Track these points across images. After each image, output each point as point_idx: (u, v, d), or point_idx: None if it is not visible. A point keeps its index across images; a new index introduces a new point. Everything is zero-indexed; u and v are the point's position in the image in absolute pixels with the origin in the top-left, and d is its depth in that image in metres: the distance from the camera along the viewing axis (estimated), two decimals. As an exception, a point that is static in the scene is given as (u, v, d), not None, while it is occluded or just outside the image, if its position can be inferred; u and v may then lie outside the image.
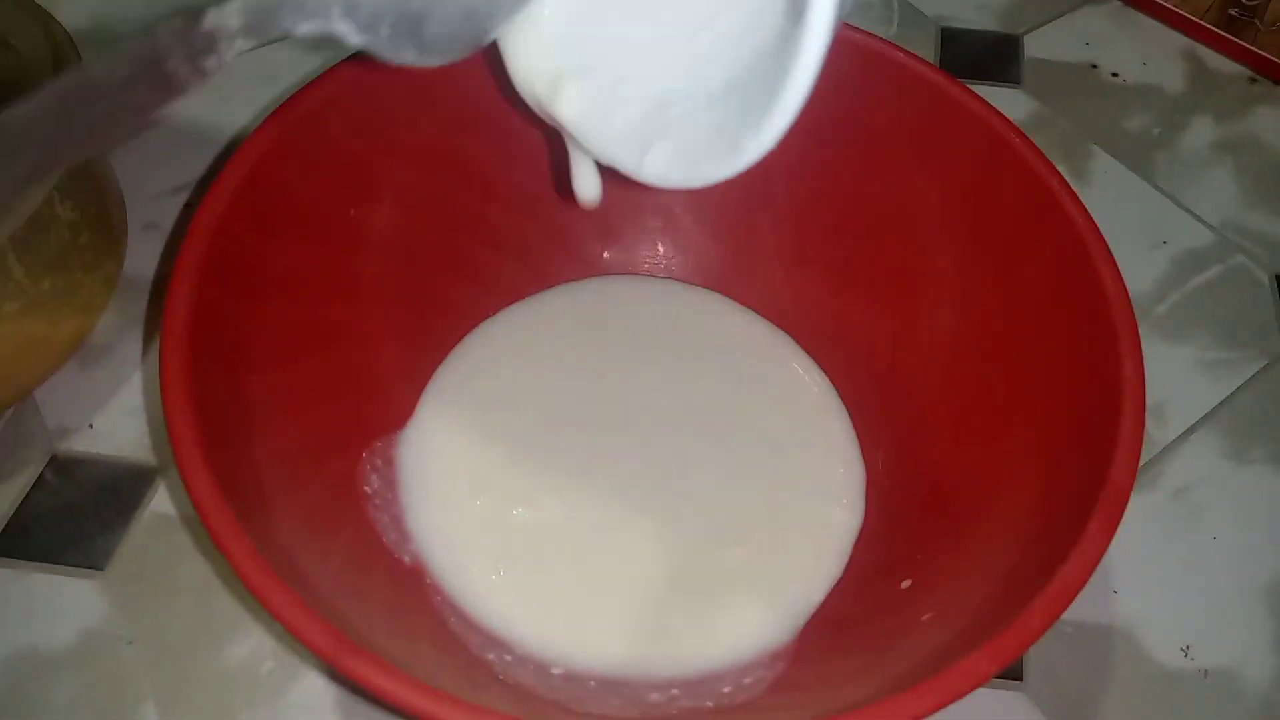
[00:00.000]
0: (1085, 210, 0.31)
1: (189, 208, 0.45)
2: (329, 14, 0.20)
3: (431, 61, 0.23)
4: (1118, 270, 0.30)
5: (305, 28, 0.20)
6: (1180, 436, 0.40)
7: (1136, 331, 0.29)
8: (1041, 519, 0.28)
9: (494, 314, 0.40)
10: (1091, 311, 0.30)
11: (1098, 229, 0.31)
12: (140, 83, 0.18)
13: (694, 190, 0.40)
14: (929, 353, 0.36)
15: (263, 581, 0.23)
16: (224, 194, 0.30)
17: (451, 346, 0.39)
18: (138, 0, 0.52)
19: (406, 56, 0.22)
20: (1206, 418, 0.40)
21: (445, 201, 0.37)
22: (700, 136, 0.24)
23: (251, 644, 0.33)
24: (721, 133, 0.23)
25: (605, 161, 0.27)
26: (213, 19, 0.19)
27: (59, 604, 0.34)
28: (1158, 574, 0.36)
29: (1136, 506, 0.37)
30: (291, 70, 0.50)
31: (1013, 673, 0.34)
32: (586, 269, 0.41)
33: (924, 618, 0.29)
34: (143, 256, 0.43)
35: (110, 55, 0.18)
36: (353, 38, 0.21)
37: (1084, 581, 0.24)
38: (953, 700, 0.23)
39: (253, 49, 0.20)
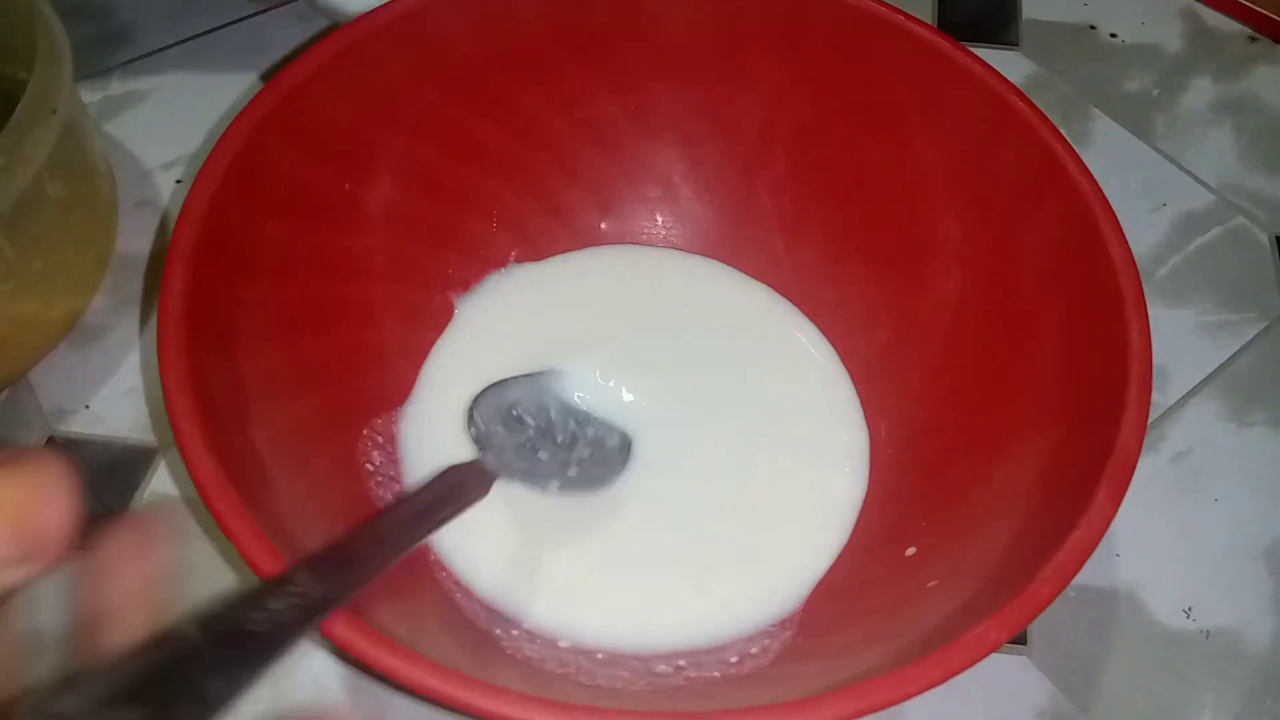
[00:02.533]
0: (1089, 173, 0.31)
1: (181, 184, 0.44)
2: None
3: None
4: (1123, 234, 0.30)
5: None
6: (1181, 400, 0.40)
7: (1143, 296, 0.29)
8: (1047, 486, 0.28)
9: (491, 287, 0.39)
10: (1097, 276, 0.29)
11: (1102, 192, 0.31)
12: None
13: (693, 157, 0.40)
14: (931, 319, 0.36)
15: (268, 564, 0.23)
16: (217, 171, 0.29)
17: (448, 320, 0.38)
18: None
19: None
20: (1207, 380, 0.40)
21: (441, 174, 0.37)
22: None
23: (257, 623, 0.33)
24: None
25: None
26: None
27: (56, 586, 0.34)
28: (1160, 537, 0.36)
29: (1138, 470, 0.37)
30: (281, 40, 0.49)
31: (1017, 637, 0.34)
32: (583, 240, 0.41)
33: (929, 585, 0.29)
34: (136, 234, 0.42)
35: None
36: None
37: (1093, 548, 0.24)
38: (963, 669, 0.23)
39: None
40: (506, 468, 0.33)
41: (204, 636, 0.18)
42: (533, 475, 0.33)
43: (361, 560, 0.24)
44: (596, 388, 0.37)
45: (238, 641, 0.19)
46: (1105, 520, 0.25)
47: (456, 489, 0.29)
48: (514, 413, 0.34)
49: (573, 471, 0.34)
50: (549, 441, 0.34)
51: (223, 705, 0.17)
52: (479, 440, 0.34)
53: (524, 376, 0.36)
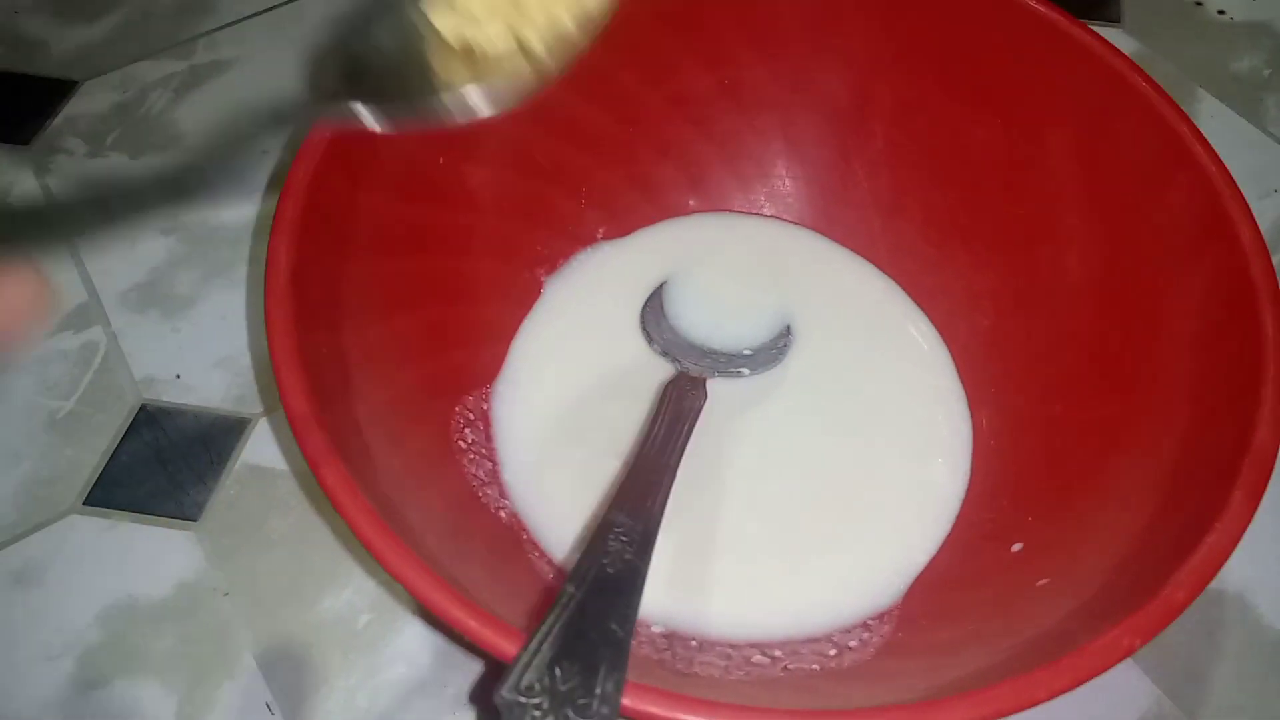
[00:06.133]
0: (1217, 156, 0.30)
1: (266, 154, 0.44)
2: None
3: None
4: (1254, 220, 0.28)
5: None
6: (1293, 395, 0.38)
7: (1277, 285, 0.27)
8: (1172, 485, 0.27)
9: (578, 265, 0.39)
10: (1226, 264, 0.28)
11: (1231, 177, 0.29)
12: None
13: (787, 133, 0.39)
14: (1039, 307, 0.34)
15: (379, 540, 0.23)
16: (318, 145, 0.29)
17: (535, 298, 0.38)
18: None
19: None
20: (1320, 375, 0.39)
21: (535, 151, 0.36)
22: None
23: (347, 596, 0.33)
24: None
25: None
26: None
27: (154, 555, 0.34)
28: (1272, 540, 0.35)
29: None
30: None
31: (1120, 638, 0.33)
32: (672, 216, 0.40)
33: (1039, 583, 0.28)
34: (220, 205, 0.42)
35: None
36: None
37: (1229, 552, 0.23)
38: (1093, 677, 0.22)
39: None
40: (704, 368, 0.35)
41: (581, 592, 0.22)
42: (721, 367, 0.36)
43: (653, 488, 0.27)
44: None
45: (607, 585, 0.23)
46: (1243, 522, 0.23)
47: (683, 402, 0.32)
48: (674, 323, 0.37)
49: (747, 351, 0.36)
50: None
51: (626, 635, 0.22)
52: (667, 354, 0.36)
53: (658, 291, 0.38)
